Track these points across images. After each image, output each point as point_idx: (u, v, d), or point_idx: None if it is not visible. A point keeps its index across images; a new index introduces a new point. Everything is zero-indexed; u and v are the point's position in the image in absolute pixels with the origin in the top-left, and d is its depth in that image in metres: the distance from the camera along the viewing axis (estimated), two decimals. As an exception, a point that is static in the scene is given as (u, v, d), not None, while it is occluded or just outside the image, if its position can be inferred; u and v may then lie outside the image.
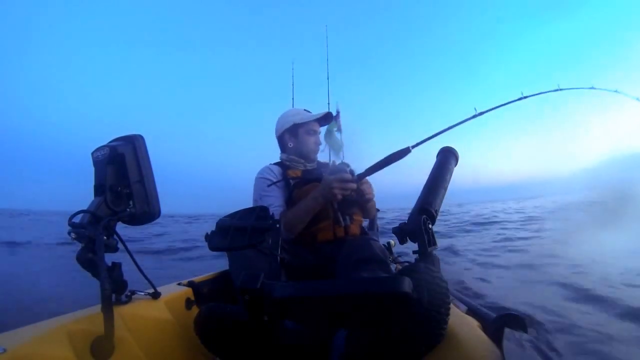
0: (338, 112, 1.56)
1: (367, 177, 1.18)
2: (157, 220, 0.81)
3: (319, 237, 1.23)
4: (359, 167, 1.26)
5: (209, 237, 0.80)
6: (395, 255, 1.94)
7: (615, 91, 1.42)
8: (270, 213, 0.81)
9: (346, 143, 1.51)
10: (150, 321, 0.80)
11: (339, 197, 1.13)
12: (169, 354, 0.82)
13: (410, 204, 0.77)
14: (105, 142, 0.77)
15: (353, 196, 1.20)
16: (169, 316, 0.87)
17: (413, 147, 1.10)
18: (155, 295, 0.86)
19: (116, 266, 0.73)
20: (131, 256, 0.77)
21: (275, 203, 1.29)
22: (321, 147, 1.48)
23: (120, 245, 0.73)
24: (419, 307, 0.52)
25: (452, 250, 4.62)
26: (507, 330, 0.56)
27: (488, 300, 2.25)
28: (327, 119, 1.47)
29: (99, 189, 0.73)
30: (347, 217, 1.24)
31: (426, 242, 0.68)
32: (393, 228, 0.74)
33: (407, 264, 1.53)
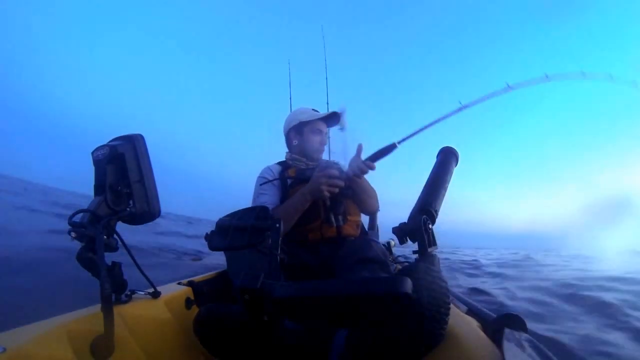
0: (343, 111, 1.54)
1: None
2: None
3: (310, 237, 1.23)
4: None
5: (209, 237, 0.80)
6: (395, 256, 1.94)
7: (609, 76, 1.25)
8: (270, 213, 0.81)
9: (349, 142, 1.51)
10: (150, 321, 0.80)
11: (327, 194, 1.13)
12: (169, 354, 0.83)
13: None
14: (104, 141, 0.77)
15: (347, 194, 1.19)
16: (169, 316, 0.87)
17: (399, 142, 1.10)
18: (155, 295, 0.86)
19: (116, 266, 0.73)
20: (131, 256, 0.77)
21: (268, 201, 1.29)
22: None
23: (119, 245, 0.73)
24: (419, 307, 0.52)
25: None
26: (507, 330, 0.56)
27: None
28: (334, 118, 1.46)
29: (99, 189, 0.73)
30: (340, 217, 1.23)
31: (426, 242, 0.68)
32: (393, 228, 0.74)
33: (407, 264, 1.53)
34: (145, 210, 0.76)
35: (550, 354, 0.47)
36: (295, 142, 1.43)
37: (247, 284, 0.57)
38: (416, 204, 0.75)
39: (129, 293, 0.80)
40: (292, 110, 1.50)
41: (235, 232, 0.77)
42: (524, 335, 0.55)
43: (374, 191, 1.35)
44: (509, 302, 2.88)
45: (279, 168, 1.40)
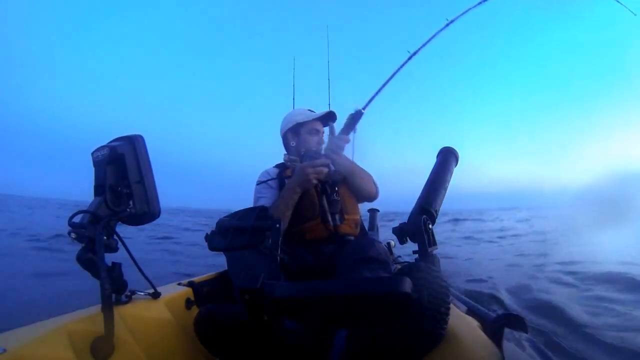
0: (358, 112, 1.52)
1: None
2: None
3: (307, 237, 1.23)
4: (366, 166, 1.35)
5: (209, 237, 0.80)
6: (395, 256, 1.93)
7: None
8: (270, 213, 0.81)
9: (358, 143, 1.51)
10: (150, 321, 0.80)
11: (314, 181, 1.16)
12: (169, 354, 0.82)
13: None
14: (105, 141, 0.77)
15: (337, 179, 1.25)
16: (169, 316, 0.87)
17: (364, 108, 1.31)
18: (155, 296, 0.86)
19: (116, 266, 0.73)
20: (131, 256, 0.77)
21: (266, 203, 1.28)
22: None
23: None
24: (419, 307, 0.52)
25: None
26: (507, 330, 0.56)
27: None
28: (330, 118, 1.47)
29: (99, 189, 0.73)
30: (337, 217, 1.24)
31: (426, 242, 0.68)
32: (393, 228, 0.74)
33: (407, 264, 1.53)
34: (145, 211, 0.76)
35: (550, 354, 0.47)
36: (292, 143, 1.43)
37: (247, 284, 0.57)
38: (416, 204, 0.75)
39: (129, 293, 0.80)
40: (288, 112, 1.50)
41: (236, 232, 0.77)
42: (524, 335, 0.55)
43: (368, 174, 1.36)
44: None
45: (276, 170, 1.41)
